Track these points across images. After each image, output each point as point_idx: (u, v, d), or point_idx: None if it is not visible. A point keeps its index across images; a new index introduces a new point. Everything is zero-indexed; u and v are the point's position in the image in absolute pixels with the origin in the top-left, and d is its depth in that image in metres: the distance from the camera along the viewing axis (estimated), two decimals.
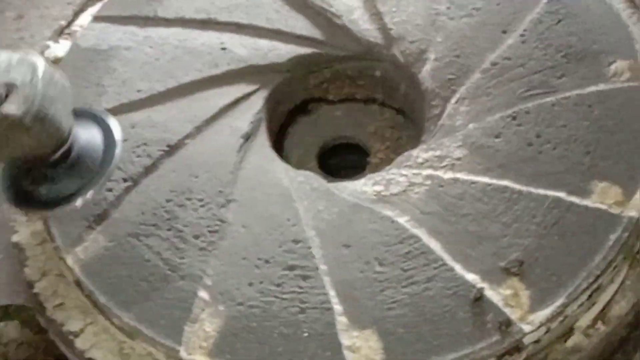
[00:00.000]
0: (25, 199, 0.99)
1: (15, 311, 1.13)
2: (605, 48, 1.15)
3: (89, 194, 0.98)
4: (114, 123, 1.01)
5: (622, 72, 1.13)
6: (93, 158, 0.99)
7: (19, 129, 0.86)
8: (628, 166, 1.05)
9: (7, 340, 1.21)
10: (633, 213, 1.02)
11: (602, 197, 1.03)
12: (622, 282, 1.03)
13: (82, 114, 1.00)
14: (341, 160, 1.31)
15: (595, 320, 1.01)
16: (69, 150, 0.96)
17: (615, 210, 1.02)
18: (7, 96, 0.85)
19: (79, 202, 0.98)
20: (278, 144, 1.28)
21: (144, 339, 1.01)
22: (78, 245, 1.07)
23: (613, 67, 1.14)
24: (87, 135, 0.99)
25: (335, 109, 1.32)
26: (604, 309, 1.02)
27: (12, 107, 0.85)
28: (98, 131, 1.01)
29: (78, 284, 1.06)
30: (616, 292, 1.03)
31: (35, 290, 1.11)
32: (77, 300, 1.09)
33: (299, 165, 1.24)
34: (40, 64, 0.87)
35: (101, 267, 1.06)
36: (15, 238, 1.16)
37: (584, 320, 1.01)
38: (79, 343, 1.07)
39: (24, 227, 1.17)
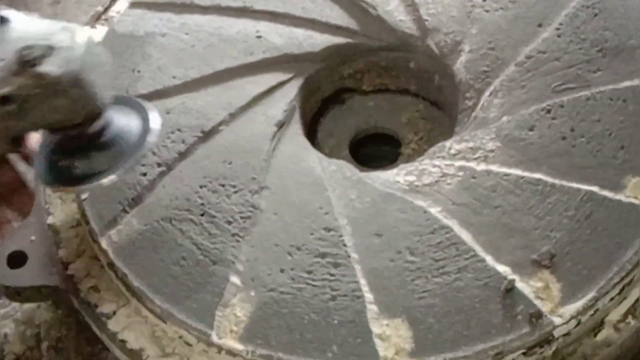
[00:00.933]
0: (56, 176, 0.99)
1: (48, 292, 1.13)
2: None
3: (117, 174, 0.98)
4: (153, 113, 1.01)
5: None
6: (127, 142, 0.99)
7: (55, 91, 0.85)
8: None
9: (39, 322, 1.22)
10: None
11: (635, 191, 1.03)
12: None
13: (124, 101, 1.01)
14: (374, 151, 1.31)
15: (626, 315, 1.01)
16: (104, 129, 0.96)
17: None
18: (36, 59, 0.84)
19: (106, 180, 0.97)
20: (311, 133, 1.28)
21: (175, 322, 1.02)
22: (112, 228, 1.08)
23: None
24: (125, 120, 1.00)
25: (369, 99, 1.33)
26: (635, 303, 1.01)
27: (50, 67, 0.84)
28: (137, 118, 1.01)
29: (111, 266, 1.07)
30: None
31: (70, 271, 1.12)
32: (111, 283, 1.10)
33: (331, 154, 1.24)
34: (82, 32, 0.87)
35: (134, 251, 1.07)
36: (50, 220, 1.17)
37: (615, 315, 1.00)
38: (112, 325, 1.08)
39: (59, 210, 1.18)
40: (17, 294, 1.14)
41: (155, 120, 1.00)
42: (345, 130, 1.30)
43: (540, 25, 1.19)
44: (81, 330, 1.12)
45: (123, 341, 1.06)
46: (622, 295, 0.99)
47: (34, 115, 0.87)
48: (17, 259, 1.14)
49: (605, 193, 1.03)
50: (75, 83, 0.86)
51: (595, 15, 1.18)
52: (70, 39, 0.86)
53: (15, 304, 1.21)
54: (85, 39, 0.87)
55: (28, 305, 1.22)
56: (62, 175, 0.99)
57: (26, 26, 0.88)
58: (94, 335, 1.09)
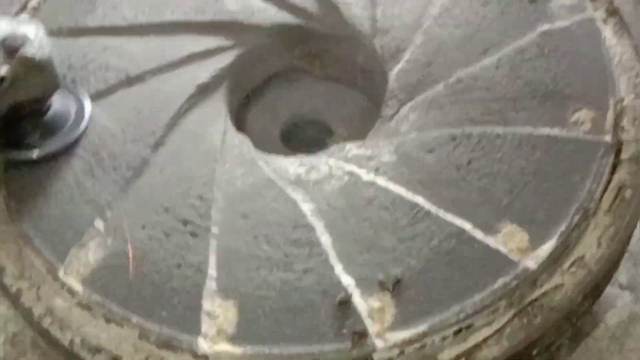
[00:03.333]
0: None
1: None
2: (577, 94, 1.12)
3: (44, 151, 1.11)
4: (87, 101, 1.15)
5: (584, 121, 1.10)
6: (61, 123, 1.13)
7: (37, 70, 1.03)
8: (545, 218, 1.02)
9: None
10: (531, 264, 0.99)
11: (506, 238, 1.01)
12: (501, 328, 1.00)
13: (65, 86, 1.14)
14: (307, 134, 1.30)
15: (458, 358, 0.99)
16: (47, 110, 1.11)
17: (514, 256, 1.00)
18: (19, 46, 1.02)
19: (35, 154, 1.11)
20: (248, 105, 1.28)
21: (33, 249, 1.05)
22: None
23: (577, 114, 1.10)
24: (63, 103, 1.13)
25: (317, 84, 1.32)
26: (472, 349, 0.99)
27: (32, 51, 1.01)
28: (73, 104, 1.15)
29: None
30: (491, 336, 1.00)
31: None
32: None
33: (262, 130, 1.25)
34: (39, 25, 1.05)
35: (27, 179, 1.11)
36: None
37: (447, 355, 0.98)
38: None
39: None
40: None
41: (87, 110, 1.14)
42: (282, 110, 1.29)
43: (484, 52, 1.17)
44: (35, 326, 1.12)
45: None
46: (459, 337, 0.98)
47: (17, 92, 1.04)
48: None
49: (476, 233, 1.01)
50: (48, 63, 1.04)
51: (543, 55, 1.15)
52: (36, 29, 1.03)
53: None
54: (42, 30, 1.04)
55: None
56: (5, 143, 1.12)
57: None
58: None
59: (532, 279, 1.00)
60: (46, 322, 1.03)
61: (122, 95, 1.16)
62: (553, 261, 1.01)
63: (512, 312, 1.00)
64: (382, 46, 1.20)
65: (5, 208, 1.10)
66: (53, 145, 1.12)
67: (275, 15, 1.25)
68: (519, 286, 0.99)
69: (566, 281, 1.01)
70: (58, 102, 1.12)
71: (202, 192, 1.06)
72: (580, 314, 1.04)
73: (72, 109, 1.14)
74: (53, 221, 1.06)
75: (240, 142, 1.13)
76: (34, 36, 1.03)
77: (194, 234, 1.03)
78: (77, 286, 1.01)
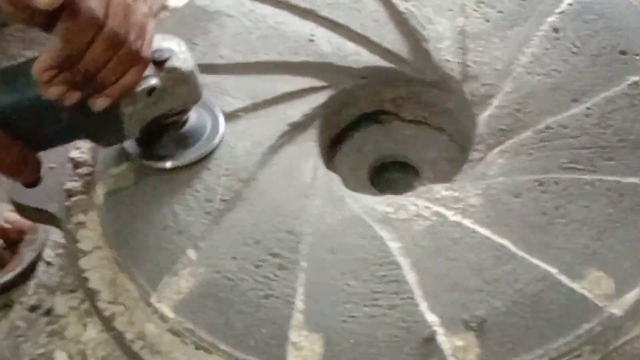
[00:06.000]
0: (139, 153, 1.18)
1: (48, 217, 1.23)
2: None
3: (180, 163, 1.16)
4: (221, 116, 1.20)
5: None
6: (197, 138, 1.18)
7: (182, 81, 1.07)
8: (632, 265, 1.02)
9: (85, 340, 1.29)
10: (616, 310, 1.00)
11: (592, 285, 1.02)
12: None
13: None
14: (392, 177, 1.33)
15: None
16: (184, 123, 1.16)
17: (599, 301, 1.00)
18: (168, 58, 1.06)
19: (169, 164, 1.16)
20: (338, 145, 1.32)
21: (129, 275, 1.09)
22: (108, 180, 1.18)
23: None
24: (199, 119, 1.18)
25: (405, 127, 1.35)
26: None
27: (178, 63, 1.05)
28: (208, 119, 1.20)
29: (98, 208, 1.15)
30: None
31: (68, 203, 1.21)
32: (97, 225, 1.18)
33: (351, 169, 1.28)
34: (181, 40, 1.09)
35: (121, 200, 1.16)
36: (73, 154, 1.26)
37: None
38: (82, 262, 1.16)
39: (86, 148, 1.27)
40: (22, 210, 1.24)
41: (222, 124, 1.19)
42: (371, 151, 1.32)
43: (574, 101, 1.18)
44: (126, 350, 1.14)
45: (86, 279, 1.14)
46: None
47: (164, 103, 1.08)
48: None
49: (562, 278, 1.02)
50: (192, 76, 1.08)
51: (633, 105, 1.16)
52: (179, 43, 1.08)
53: (63, 323, 1.30)
54: (185, 45, 1.08)
55: (74, 324, 1.31)
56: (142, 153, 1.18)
57: None
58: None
59: (617, 326, 1.00)
60: (137, 346, 1.06)
61: None
62: (638, 309, 1.00)
63: (596, 358, 1.00)
64: (472, 92, 1.23)
65: (102, 234, 1.15)
66: (187, 156, 1.17)
67: (368, 59, 1.28)
68: (604, 332, 0.99)
69: None
70: (194, 116, 1.17)
71: (291, 226, 1.09)
72: None
73: (208, 123, 1.19)
74: (147, 249, 1.09)
75: (330, 180, 1.16)
76: (178, 50, 1.07)
77: (282, 267, 1.06)
78: (169, 313, 1.04)
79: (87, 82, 0.98)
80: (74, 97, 0.99)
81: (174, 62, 1.06)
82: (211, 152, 1.17)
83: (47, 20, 0.94)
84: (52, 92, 0.98)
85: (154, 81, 1.06)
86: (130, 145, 1.17)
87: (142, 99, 1.06)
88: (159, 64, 1.06)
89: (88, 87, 0.99)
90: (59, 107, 1.01)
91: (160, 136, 1.16)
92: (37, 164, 1.09)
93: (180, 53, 1.07)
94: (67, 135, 1.10)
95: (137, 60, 1.01)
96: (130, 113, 1.07)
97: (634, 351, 1.01)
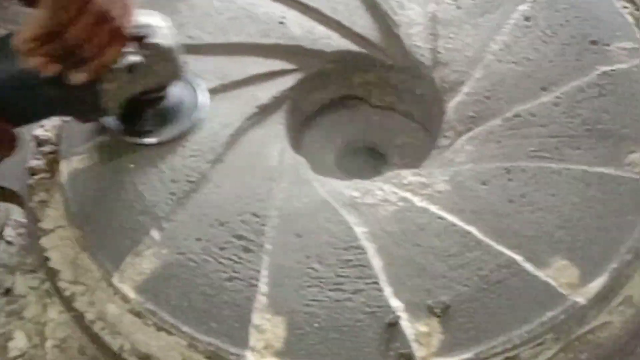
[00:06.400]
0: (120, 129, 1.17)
1: (9, 194, 1.21)
2: (634, 135, 1.12)
3: (165, 138, 1.16)
4: (203, 90, 1.20)
5: (639, 163, 1.09)
6: (177, 111, 1.18)
7: (163, 58, 1.07)
8: (597, 254, 1.02)
9: (45, 320, 1.28)
10: (580, 299, 1.00)
11: (557, 273, 1.01)
12: None
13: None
14: (360, 162, 1.32)
15: None
16: (164, 98, 1.16)
17: (563, 290, 1.00)
18: (148, 35, 1.05)
19: (154, 140, 1.16)
20: (306, 127, 1.31)
21: (90, 255, 1.07)
22: (76, 155, 1.17)
23: (632, 155, 1.11)
24: (180, 93, 1.18)
25: (374, 112, 1.34)
26: None
27: (160, 39, 1.06)
28: (189, 93, 1.19)
29: (61, 188, 1.14)
30: None
31: (30, 181, 1.19)
32: (59, 204, 1.16)
33: (318, 153, 1.27)
34: (165, 17, 1.08)
35: (83, 180, 1.14)
36: (36, 131, 1.24)
37: None
38: (43, 241, 1.14)
39: (49, 125, 1.25)
40: None
41: (206, 99, 1.19)
42: (339, 136, 1.31)
43: (543, 89, 1.18)
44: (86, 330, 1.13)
45: (47, 258, 1.12)
46: None
47: (143, 79, 1.08)
48: None
49: (527, 266, 1.02)
50: (172, 52, 1.08)
51: (601, 95, 1.16)
52: (163, 20, 1.07)
53: (22, 303, 1.29)
54: (168, 23, 1.07)
55: (34, 304, 1.29)
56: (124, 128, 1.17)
57: None
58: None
59: (580, 315, 1.00)
60: (98, 327, 1.06)
61: None
62: (602, 298, 1.01)
63: (558, 346, 1.01)
64: (442, 78, 1.22)
65: (65, 213, 1.13)
66: (169, 132, 1.16)
67: (338, 43, 1.27)
68: (567, 321, 0.99)
69: (614, 319, 1.02)
70: (176, 91, 1.16)
71: (257, 209, 1.08)
72: (626, 353, 1.04)
73: (187, 99, 1.18)
74: (110, 229, 1.08)
75: (297, 163, 1.15)
76: (160, 25, 1.07)
77: (247, 249, 1.05)
78: (131, 293, 1.03)
79: (67, 55, 0.98)
80: (53, 69, 0.99)
81: (155, 39, 1.06)
82: (194, 127, 1.17)
83: None
84: (32, 62, 0.98)
85: (134, 58, 1.05)
86: (110, 121, 1.16)
87: (121, 75, 1.06)
88: (140, 40, 1.06)
89: (68, 61, 0.99)
90: (38, 82, 1.01)
91: (141, 112, 1.15)
92: (14, 138, 1.07)
93: (161, 29, 1.07)
94: (46, 111, 1.09)
95: (118, 37, 1.01)
96: (110, 89, 1.06)
97: (597, 340, 1.01)
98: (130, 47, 1.05)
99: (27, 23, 0.95)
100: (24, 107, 1.05)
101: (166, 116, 1.16)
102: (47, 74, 0.98)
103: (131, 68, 1.05)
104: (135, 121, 1.16)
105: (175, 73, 1.11)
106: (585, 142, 1.12)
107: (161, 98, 1.15)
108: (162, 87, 1.13)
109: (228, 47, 1.26)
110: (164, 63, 1.08)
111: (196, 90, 1.19)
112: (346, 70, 1.30)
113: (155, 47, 1.06)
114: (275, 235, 1.06)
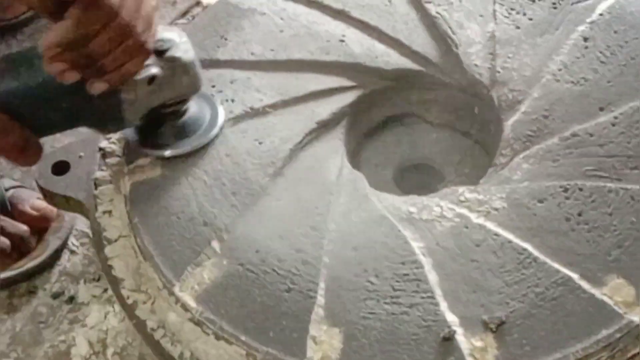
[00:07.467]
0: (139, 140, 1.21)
1: (75, 204, 1.25)
2: None
3: (178, 152, 1.19)
4: (221, 109, 1.22)
5: None
6: (195, 129, 1.20)
7: (183, 71, 1.10)
8: None
9: (106, 328, 1.32)
10: (636, 318, 1.00)
11: (612, 291, 1.02)
12: None
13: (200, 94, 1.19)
14: (417, 179, 1.33)
15: None
16: (184, 113, 1.18)
17: (619, 308, 1.01)
18: (169, 48, 1.08)
19: (168, 153, 1.18)
20: (364, 145, 1.33)
21: (152, 264, 1.10)
22: (136, 174, 1.20)
23: None
24: (198, 110, 1.20)
25: (432, 130, 1.35)
26: None
27: (179, 53, 1.08)
28: (208, 111, 1.22)
29: (125, 200, 1.17)
30: None
31: (96, 192, 1.22)
32: (124, 214, 1.19)
33: (375, 170, 1.29)
34: (182, 32, 1.11)
35: (148, 193, 1.17)
36: (102, 144, 1.28)
37: None
38: (108, 250, 1.17)
39: (115, 138, 1.29)
40: (50, 197, 1.26)
41: (221, 117, 1.21)
42: (396, 153, 1.33)
43: (601, 109, 1.18)
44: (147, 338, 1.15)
45: (111, 267, 1.15)
46: None
47: (163, 92, 1.11)
48: (61, 168, 1.26)
49: (582, 283, 1.02)
50: (192, 65, 1.11)
51: None
52: (180, 34, 1.10)
53: (85, 310, 1.32)
54: (185, 36, 1.10)
55: (96, 312, 1.33)
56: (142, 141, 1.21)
57: None
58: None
59: (636, 333, 1.00)
60: (158, 335, 1.08)
61: (246, 126, 1.21)
62: None
63: None
64: (500, 97, 1.23)
65: (128, 223, 1.16)
66: (185, 146, 1.19)
67: (397, 61, 1.29)
68: (622, 339, 0.99)
69: None
70: (194, 107, 1.19)
71: (315, 222, 1.10)
72: None
73: (207, 114, 1.21)
74: (172, 239, 1.11)
75: (355, 178, 1.17)
76: (179, 40, 1.09)
77: (305, 262, 1.07)
78: (191, 302, 1.06)
79: (89, 65, 1.01)
80: (73, 76, 1.02)
81: (175, 52, 1.09)
82: (209, 143, 1.20)
83: (56, 8, 0.97)
84: (54, 67, 1.00)
85: (154, 70, 1.08)
86: (129, 133, 1.21)
87: (142, 87, 1.08)
88: (160, 53, 1.08)
89: (89, 70, 1.02)
90: (59, 92, 1.04)
91: (159, 125, 1.18)
92: (39, 149, 1.10)
93: (181, 44, 1.10)
94: (68, 122, 1.12)
95: (141, 50, 1.04)
96: (130, 101, 1.09)
97: None
98: (150, 60, 1.07)
99: (54, 29, 0.97)
100: (46, 117, 1.08)
101: (183, 131, 1.19)
102: (67, 81, 1.01)
103: (151, 80, 1.09)
104: (153, 134, 1.19)
105: (194, 87, 1.13)
106: None
107: (181, 112, 1.18)
108: (182, 101, 1.16)
109: (289, 63, 1.28)
110: (183, 76, 1.11)
111: (215, 106, 1.22)
112: (404, 88, 1.31)
113: (175, 61, 1.09)
114: (332, 248, 1.08)
